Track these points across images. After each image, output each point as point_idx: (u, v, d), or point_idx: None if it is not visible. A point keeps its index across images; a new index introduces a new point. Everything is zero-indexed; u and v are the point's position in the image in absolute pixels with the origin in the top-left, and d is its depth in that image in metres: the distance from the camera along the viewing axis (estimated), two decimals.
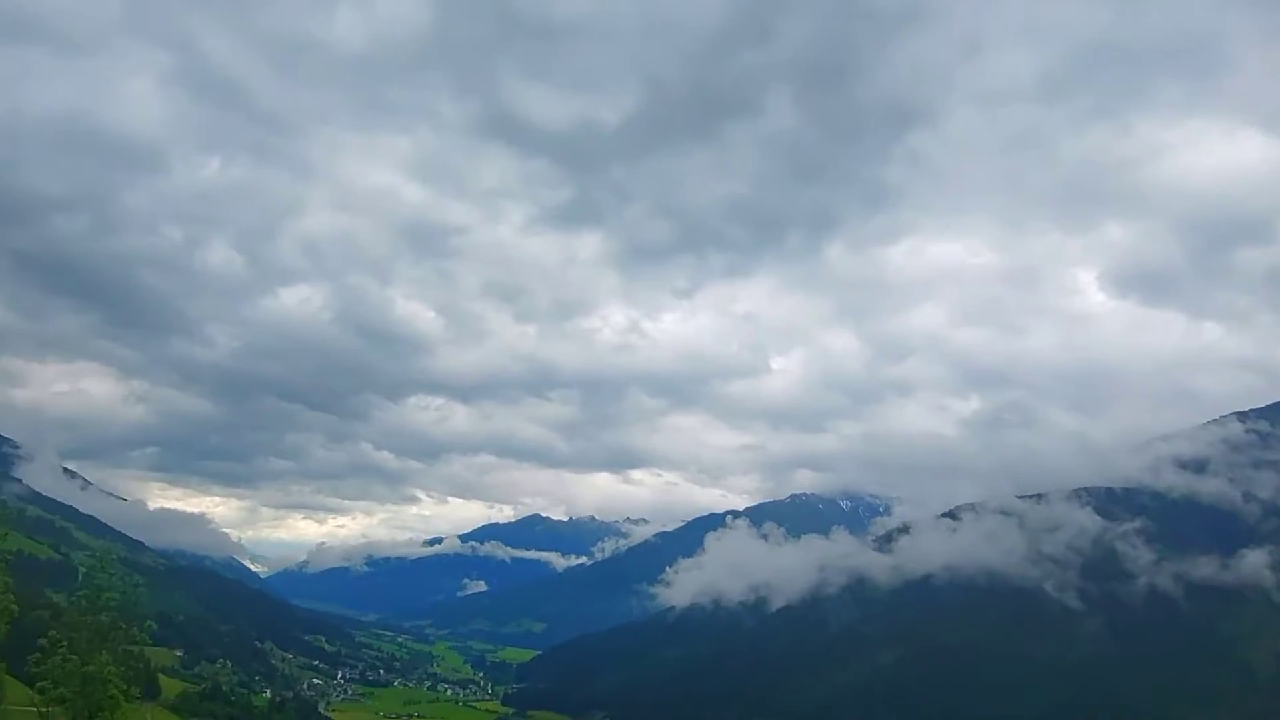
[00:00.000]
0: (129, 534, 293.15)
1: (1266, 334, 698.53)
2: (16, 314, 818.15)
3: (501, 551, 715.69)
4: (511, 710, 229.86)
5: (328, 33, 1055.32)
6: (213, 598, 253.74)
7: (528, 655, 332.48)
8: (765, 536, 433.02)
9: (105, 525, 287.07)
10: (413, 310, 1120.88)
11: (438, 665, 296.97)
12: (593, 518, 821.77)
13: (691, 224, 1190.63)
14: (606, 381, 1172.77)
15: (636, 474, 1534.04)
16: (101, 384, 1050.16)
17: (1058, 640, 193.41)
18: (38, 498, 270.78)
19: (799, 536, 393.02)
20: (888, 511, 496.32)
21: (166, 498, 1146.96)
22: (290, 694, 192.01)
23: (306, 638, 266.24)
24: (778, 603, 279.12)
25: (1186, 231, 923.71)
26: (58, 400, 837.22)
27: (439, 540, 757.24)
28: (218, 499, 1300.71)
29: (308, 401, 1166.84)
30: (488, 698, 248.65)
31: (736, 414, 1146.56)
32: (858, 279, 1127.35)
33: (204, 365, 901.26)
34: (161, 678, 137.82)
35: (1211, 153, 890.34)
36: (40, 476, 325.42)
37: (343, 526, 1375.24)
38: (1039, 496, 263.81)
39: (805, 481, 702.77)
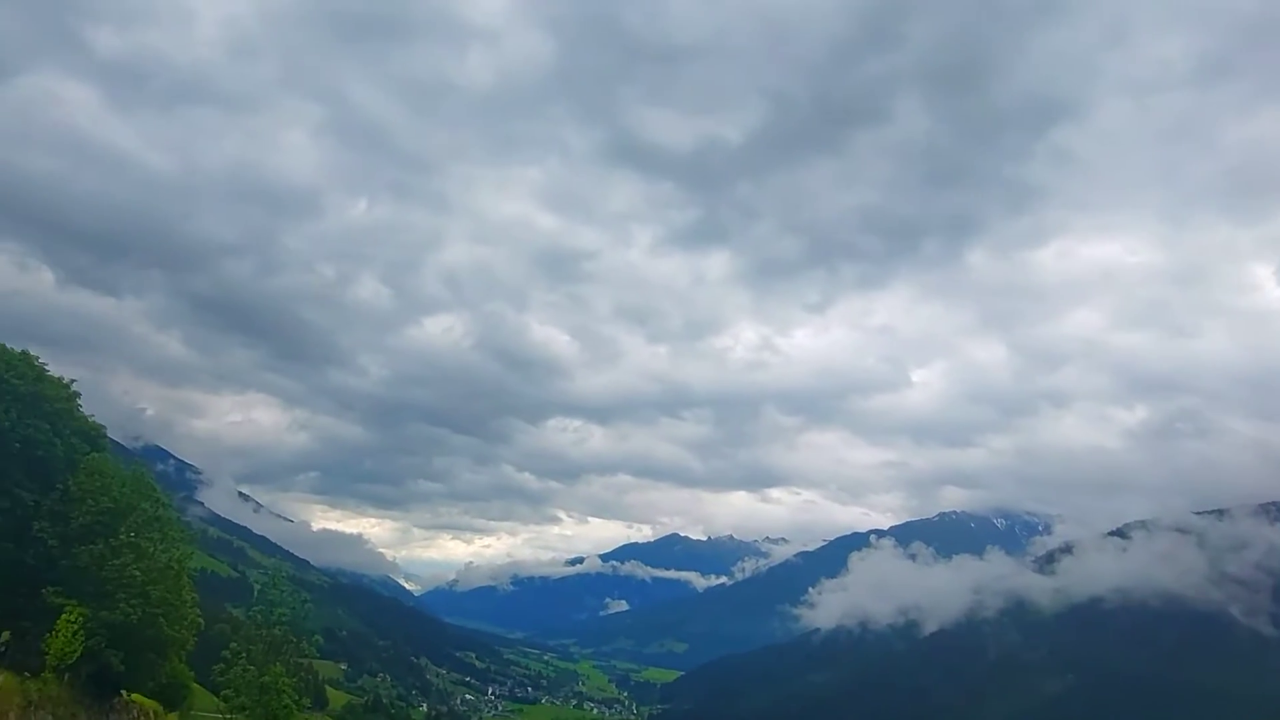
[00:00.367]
0: (296, 553, 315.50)
1: None
2: (195, 351, 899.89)
3: (642, 571, 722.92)
4: None
5: (460, 74, 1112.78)
6: (372, 614, 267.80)
7: (671, 675, 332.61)
8: (913, 556, 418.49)
9: (275, 545, 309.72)
10: (548, 335, 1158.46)
11: (583, 684, 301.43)
12: (731, 537, 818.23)
13: (820, 237, 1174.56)
14: (740, 399, 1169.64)
15: (774, 492, 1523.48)
16: (268, 413, 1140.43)
17: (1247, 670, 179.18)
18: (217, 519, 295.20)
19: (950, 557, 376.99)
20: (1047, 530, 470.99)
21: (327, 519, 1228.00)
22: (445, 708, 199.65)
23: (458, 654, 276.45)
24: (930, 626, 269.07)
25: None
26: (232, 429, 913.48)
27: (580, 560, 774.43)
28: (373, 520, 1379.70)
29: (453, 425, 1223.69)
30: (632, 718, 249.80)
31: (876, 430, 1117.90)
32: (1003, 285, 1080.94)
33: (357, 393, 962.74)
34: (328, 689, 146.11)
35: None
36: (219, 500, 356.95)
37: (489, 546, 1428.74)
38: (1220, 512, 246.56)
39: (953, 499, 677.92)
